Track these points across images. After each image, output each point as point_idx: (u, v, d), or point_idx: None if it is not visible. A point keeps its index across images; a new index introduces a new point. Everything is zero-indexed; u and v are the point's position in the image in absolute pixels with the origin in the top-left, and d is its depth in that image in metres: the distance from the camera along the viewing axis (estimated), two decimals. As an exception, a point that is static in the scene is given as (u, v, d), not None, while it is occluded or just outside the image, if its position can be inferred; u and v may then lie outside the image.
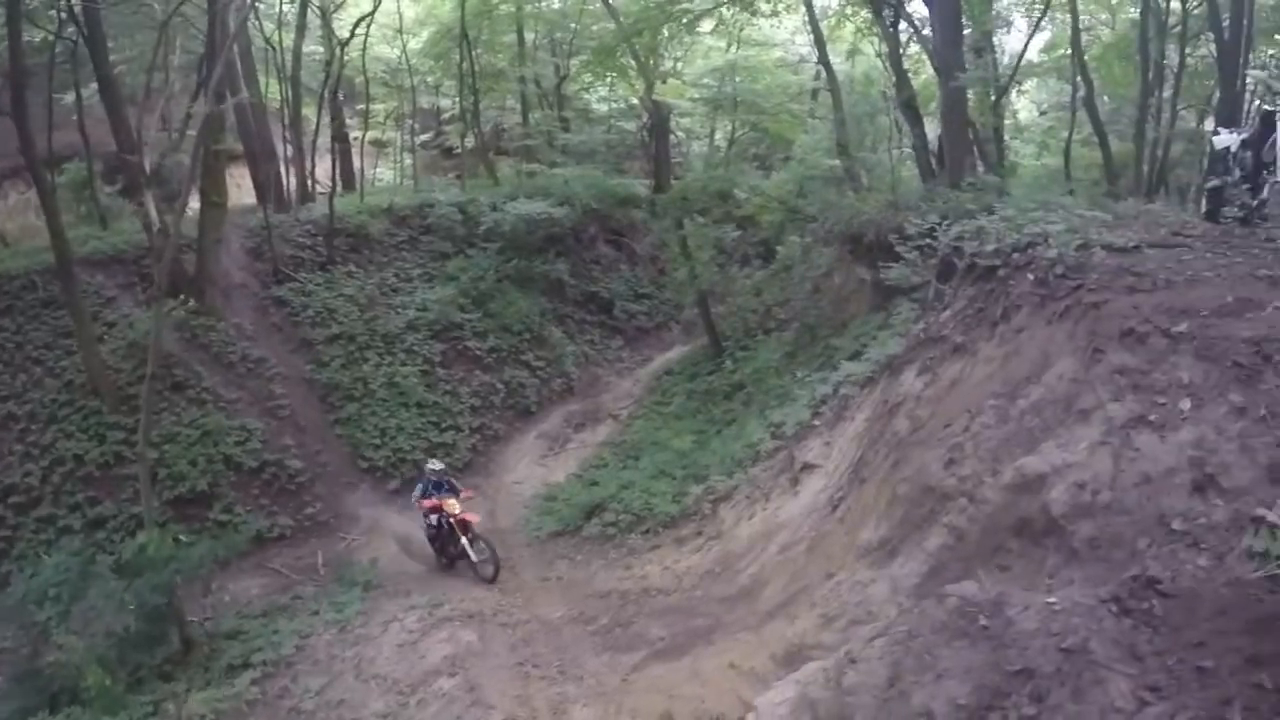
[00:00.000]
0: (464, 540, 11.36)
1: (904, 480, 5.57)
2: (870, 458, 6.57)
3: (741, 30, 21.31)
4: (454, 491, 11.84)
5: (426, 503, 11.75)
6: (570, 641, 8.22)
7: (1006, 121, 20.29)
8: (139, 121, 13.38)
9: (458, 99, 24.29)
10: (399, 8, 23.01)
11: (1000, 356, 5.48)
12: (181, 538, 10.34)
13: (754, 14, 19.31)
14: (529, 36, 25.21)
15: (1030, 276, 5.52)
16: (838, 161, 16.96)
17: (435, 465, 12.23)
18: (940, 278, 6.98)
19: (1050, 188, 14.27)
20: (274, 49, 20.78)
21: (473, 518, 11.80)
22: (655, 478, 13.05)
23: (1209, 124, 16.11)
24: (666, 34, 19.59)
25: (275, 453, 13.80)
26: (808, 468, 8.52)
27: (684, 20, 18.73)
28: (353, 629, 9.41)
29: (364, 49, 21.34)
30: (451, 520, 11.50)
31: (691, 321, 18.89)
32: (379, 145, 26.63)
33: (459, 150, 25.45)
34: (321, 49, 22.58)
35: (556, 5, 24.46)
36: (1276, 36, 20.08)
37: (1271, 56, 20.51)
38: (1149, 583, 3.19)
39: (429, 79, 26.03)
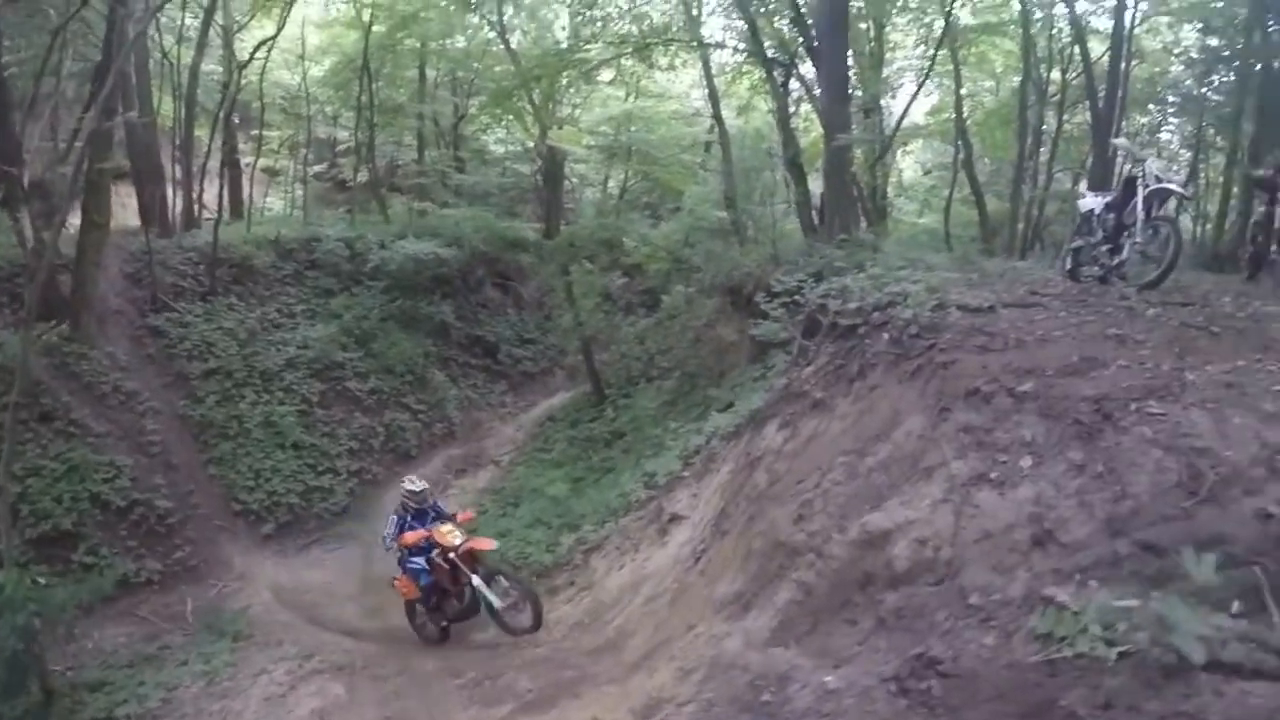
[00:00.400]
0: (475, 582, 8.80)
1: (758, 535, 5.56)
2: (731, 510, 6.58)
3: (639, 81, 21.68)
4: (444, 517, 9.65)
5: (410, 537, 9.24)
6: (439, 695, 7.90)
7: (891, 180, 21.19)
8: (23, 130, 12.54)
9: (355, 131, 23.81)
10: (303, 34, 22.60)
11: (855, 413, 5.56)
12: (43, 579, 9.65)
13: (651, 66, 19.63)
14: (430, 73, 25.12)
15: (886, 336, 5.65)
16: (725, 214, 17.27)
17: (415, 485, 9.79)
18: (805, 334, 7.08)
19: (927, 245, 14.83)
20: (171, 64, 20.07)
21: (484, 544, 9.34)
22: (532, 526, 12.89)
23: (1083, 185, 17.21)
24: (565, 81, 19.76)
25: (145, 492, 12.80)
26: (675, 519, 8.53)
27: (583, 69, 18.89)
28: (220, 681, 8.88)
29: (263, 73, 20.80)
30: (452, 557, 8.97)
31: (576, 367, 18.87)
32: (271, 173, 25.83)
33: (352, 184, 24.94)
34: (221, 69, 21.90)
35: (460, 44, 24.30)
36: (1150, 106, 21.71)
37: (1143, 125, 22.22)
38: (930, 662, 3.12)
39: (327, 109, 25.59)
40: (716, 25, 21.04)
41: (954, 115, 18.54)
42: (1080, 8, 18.54)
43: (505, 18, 21.26)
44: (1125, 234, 7.99)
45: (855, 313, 6.27)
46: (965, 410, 4.48)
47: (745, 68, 19.70)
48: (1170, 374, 4.26)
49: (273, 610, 11.68)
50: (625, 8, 19.60)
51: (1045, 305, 5.82)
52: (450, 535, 9.13)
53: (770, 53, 16.56)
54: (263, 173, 24.41)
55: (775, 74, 16.64)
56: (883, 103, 19.89)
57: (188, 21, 20.89)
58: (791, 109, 17.96)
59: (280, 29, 20.70)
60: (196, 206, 19.62)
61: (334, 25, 24.30)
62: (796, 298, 7.78)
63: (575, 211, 26.01)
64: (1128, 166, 8.69)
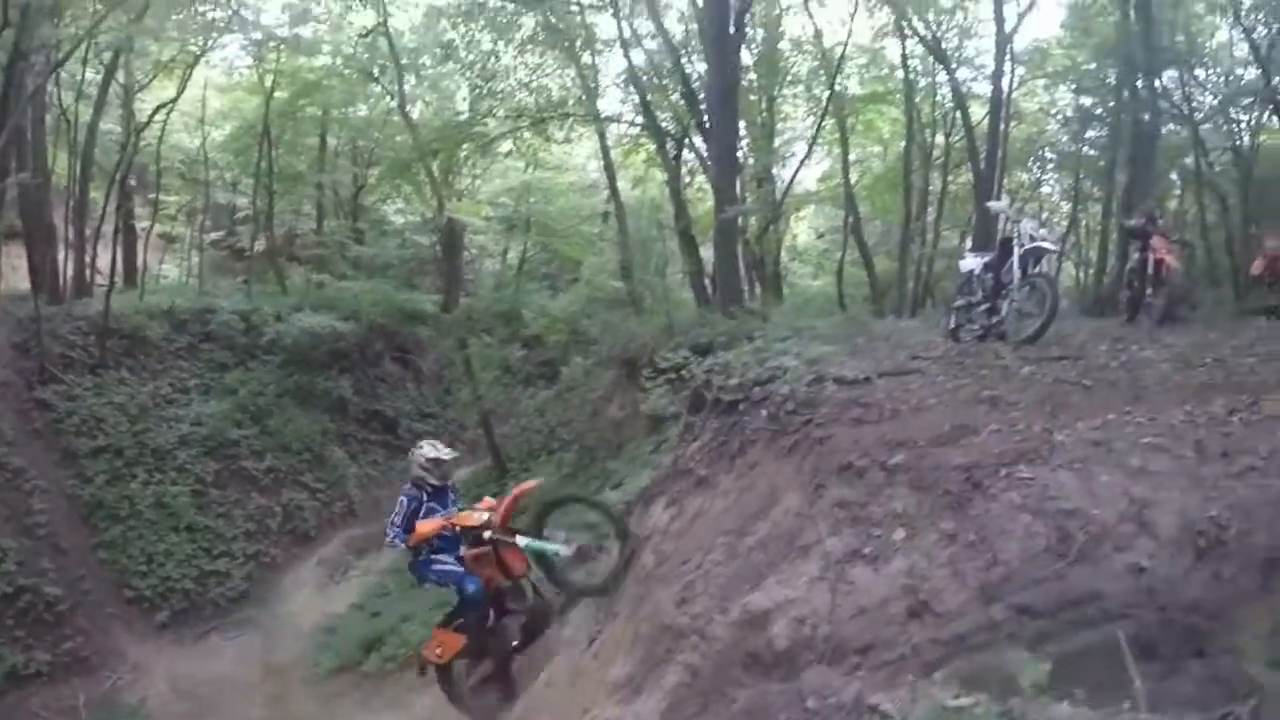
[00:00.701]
0: (521, 542, 6.79)
1: (645, 618, 5.48)
2: (621, 592, 6.46)
3: (537, 154, 21.87)
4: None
5: (426, 527, 6.86)
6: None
7: (786, 245, 21.76)
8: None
9: (254, 199, 23.42)
10: (204, 97, 22.31)
11: (736, 491, 5.56)
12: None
13: (548, 140, 19.86)
14: (331, 141, 24.95)
15: (764, 412, 5.71)
16: (623, 284, 17.44)
17: (439, 450, 7.41)
18: (691, 409, 7.09)
19: (820, 308, 15.14)
20: (69, 122, 19.42)
21: (525, 487, 7.88)
22: (435, 608, 12.10)
23: (969, 242, 17.96)
24: (464, 153, 19.83)
25: (32, 577, 12.15)
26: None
27: (481, 142, 19.00)
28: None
29: (162, 135, 20.41)
30: (490, 536, 6.79)
31: (477, 441, 18.55)
32: (167, 239, 25.22)
33: (250, 253, 24.39)
34: (120, 128, 21.37)
35: (362, 112, 24.17)
36: (1031, 163, 22.90)
37: (1024, 181, 23.49)
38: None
39: (227, 175, 25.12)
40: (615, 97, 21.47)
41: (843, 181, 19.24)
42: (961, 75, 19.69)
43: (407, 88, 21.30)
44: (1003, 293, 8.30)
45: (737, 388, 6.29)
46: (840, 485, 4.47)
47: (640, 140, 20.07)
48: (1040, 435, 4.32)
49: (169, 703, 11.35)
50: (524, 80, 19.93)
51: (923, 371, 5.93)
52: (474, 515, 7.01)
53: (664, 126, 16.97)
54: (159, 238, 23.81)
55: (668, 147, 17.04)
56: (775, 171, 20.50)
57: (89, 76, 20.37)
58: (686, 180, 18.37)
59: (181, 92, 20.63)
60: (89, 271, 19.02)
61: (236, 90, 24.11)
62: (682, 373, 7.81)
63: (475, 282, 26.03)
64: (1006, 227, 9.04)
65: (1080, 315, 15.65)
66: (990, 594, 3.58)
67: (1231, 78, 22.43)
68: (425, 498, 7.19)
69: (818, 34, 20.40)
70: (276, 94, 21.55)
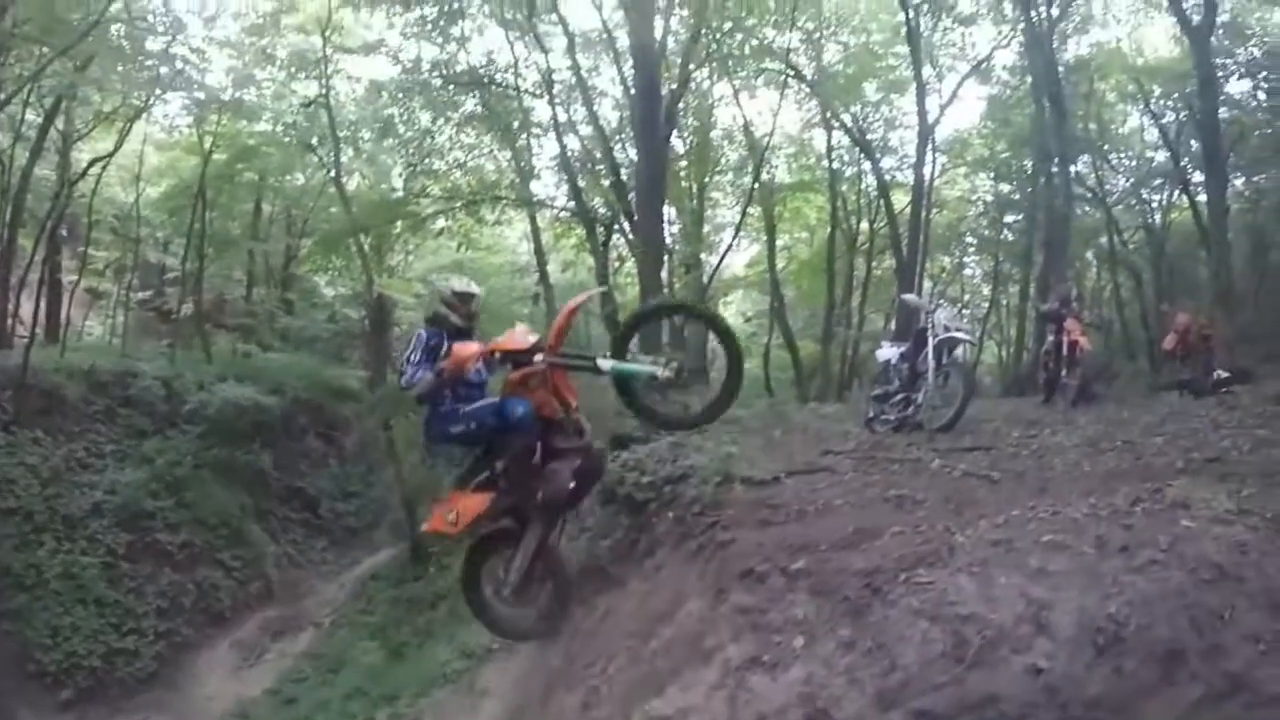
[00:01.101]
0: (605, 365, 5.63)
1: None
2: (531, 690, 6.32)
3: (469, 234, 21.96)
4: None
5: (465, 350, 5.45)
6: None
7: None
8: None
9: (184, 260, 22.88)
10: (142, 152, 21.97)
11: (643, 593, 5.50)
12: None
13: (480, 221, 19.99)
14: (266, 209, 24.66)
15: (671, 515, 5.66)
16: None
17: (460, 283, 6.19)
18: (604, 504, 6.97)
19: (748, 392, 15.19)
20: (3, 165, 18.99)
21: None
22: (351, 697, 12.04)
23: (893, 324, 18.47)
24: (397, 229, 19.85)
25: None
26: (485, 694, 8.11)
27: (414, 220, 19.05)
28: None
29: (96, 188, 20.00)
30: (543, 359, 5.61)
31: (400, 523, 18.05)
32: (94, 294, 24.40)
33: (176, 316, 23.83)
34: (55, 176, 20.86)
35: (299, 181, 24.07)
36: (952, 247, 23.74)
37: (944, 268, 24.35)
38: None
39: (159, 234, 24.65)
40: (549, 180, 21.84)
41: (769, 267, 19.79)
42: (885, 164, 20.57)
43: (344, 159, 21.35)
44: (919, 382, 8.50)
45: (648, 487, 6.22)
46: (742, 591, 4.43)
47: (571, 225, 20.32)
48: (942, 536, 4.35)
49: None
50: (459, 160, 20.17)
51: (832, 469, 5.99)
52: (517, 337, 5.83)
53: (593, 212, 17.25)
54: (85, 293, 23.08)
55: (597, 232, 17.28)
56: (704, 256, 20.92)
57: (29, 117, 19.76)
58: (615, 265, 18.64)
59: (119, 146, 20.30)
60: (11, 322, 18.39)
61: (174, 148, 23.79)
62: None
63: None
64: (922, 318, 9.29)
65: (1001, 395, 16.08)
66: (888, 700, 3.58)
67: (1142, 161, 23.70)
68: (447, 341, 5.74)
69: (747, 126, 21.23)
70: (215, 156, 21.26)
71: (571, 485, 5.63)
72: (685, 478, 5.87)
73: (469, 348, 5.53)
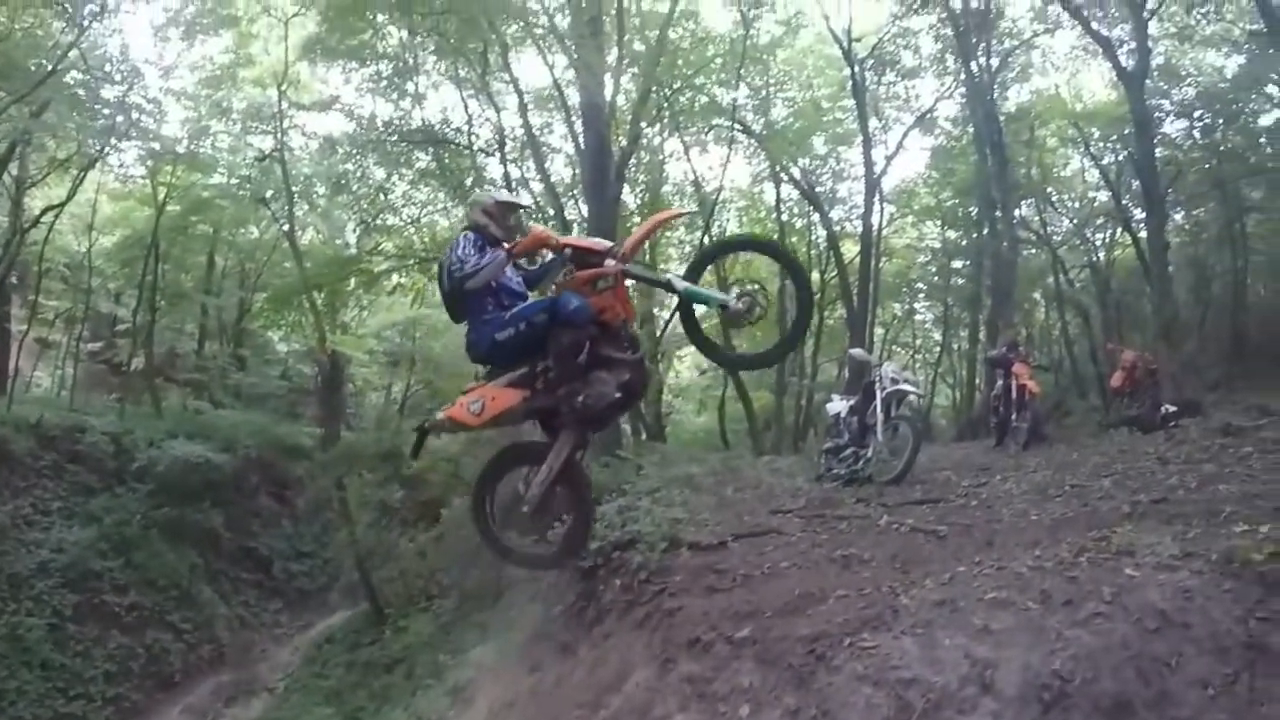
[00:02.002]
0: (679, 284, 5.26)
1: None
2: None
3: (422, 290, 21.96)
4: None
5: (542, 230, 5.36)
6: None
7: (669, 383, 22.25)
8: None
9: (136, 312, 22.44)
10: (95, 201, 21.77)
11: (593, 660, 5.42)
12: None
13: (431, 278, 19.97)
14: (219, 262, 24.41)
15: (618, 582, 5.62)
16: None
17: (506, 194, 6.19)
18: (555, 572, 6.89)
19: (704, 447, 15.26)
20: None
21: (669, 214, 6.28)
22: None
23: (846, 372, 18.70)
24: (350, 286, 19.75)
25: None
26: None
27: (366, 277, 19.00)
28: None
29: (48, 236, 19.74)
30: (616, 265, 5.13)
31: (354, 585, 17.71)
32: (43, 344, 23.88)
33: (127, 369, 23.42)
34: (7, 222, 20.55)
35: (253, 234, 23.90)
36: (902, 294, 24.12)
37: (895, 315, 24.76)
38: None
39: (111, 285, 24.22)
40: None
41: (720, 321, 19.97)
42: (834, 215, 21.02)
43: (299, 214, 21.26)
44: (869, 435, 8.60)
45: (596, 553, 6.16)
46: (688, 660, 4.40)
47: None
48: (886, 598, 4.36)
49: None
50: (413, 216, 20.22)
51: (780, 530, 5.98)
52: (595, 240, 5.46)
53: None
54: (34, 343, 22.62)
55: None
56: (656, 311, 21.01)
57: None
58: None
59: (72, 195, 20.08)
60: None
61: (128, 198, 23.43)
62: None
63: (357, 416, 25.53)
64: (870, 371, 9.41)
65: (955, 438, 16.27)
66: (834, 767, 3.50)
67: (1084, 201, 24.41)
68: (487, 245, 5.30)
69: (697, 181, 21.67)
70: (169, 207, 21.12)
71: (615, 398, 5.16)
72: (632, 543, 5.84)
73: (546, 230, 5.36)
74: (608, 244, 5.31)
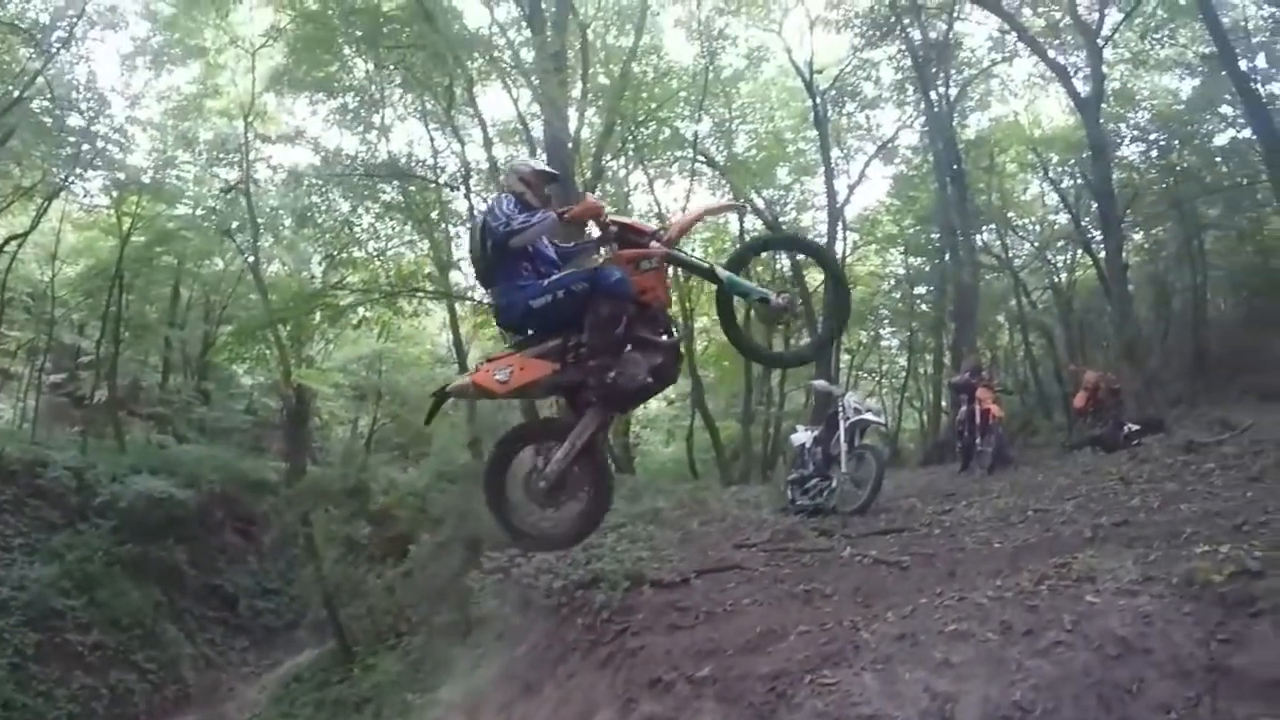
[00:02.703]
0: (722, 273, 5.10)
1: None
2: None
3: (388, 325, 21.90)
4: None
5: (594, 200, 5.21)
6: None
7: (637, 414, 22.29)
8: None
9: (99, 344, 22.15)
10: (59, 231, 21.53)
11: (557, 700, 5.37)
12: None
13: (397, 313, 19.96)
14: (184, 294, 24.13)
15: (581, 621, 5.58)
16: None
17: (541, 164, 5.87)
18: (520, 610, 6.83)
19: (672, 478, 15.24)
20: None
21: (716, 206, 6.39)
22: None
23: (813, 399, 18.80)
24: (317, 318, 19.64)
25: None
26: None
27: (331, 311, 18.91)
28: None
29: (10, 265, 19.39)
30: (660, 247, 5.03)
31: (322, 622, 17.41)
32: (4, 375, 23.50)
33: (90, 402, 23.06)
34: None
35: (218, 266, 23.70)
36: (868, 321, 24.35)
37: (860, 342, 24.99)
38: None
39: (74, 316, 23.83)
40: (471, 269, 21.80)
41: (685, 351, 20.21)
42: None
43: (265, 245, 21.15)
44: (833, 466, 8.65)
45: (560, 591, 6.13)
46: (650, 700, 4.36)
47: (488, 316, 20.36)
48: (847, 633, 4.37)
49: None
50: (379, 249, 20.20)
51: (743, 565, 5.99)
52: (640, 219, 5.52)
53: None
54: (-4, 373, 22.17)
55: None
56: None
57: None
58: None
59: (35, 225, 19.93)
60: None
61: (93, 228, 23.19)
62: (511, 572, 7.48)
63: (323, 450, 25.24)
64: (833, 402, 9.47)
65: (922, 462, 16.38)
66: (794, 806, 3.47)
67: (1045, 225, 24.87)
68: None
69: (661, 213, 21.60)
70: (133, 238, 20.86)
71: (642, 384, 5.01)
72: (596, 582, 5.80)
73: (600, 201, 5.17)
74: (654, 226, 5.21)
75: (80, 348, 24.69)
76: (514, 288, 4.98)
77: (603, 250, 5.10)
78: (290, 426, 21.28)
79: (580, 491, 5.20)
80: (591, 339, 4.86)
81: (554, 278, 4.95)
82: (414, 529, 17.32)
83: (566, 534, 5.29)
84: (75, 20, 18.75)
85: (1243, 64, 17.50)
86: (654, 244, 5.03)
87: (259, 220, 20.19)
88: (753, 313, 5.56)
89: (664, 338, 5.10)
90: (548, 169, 5.47)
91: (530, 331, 5.02)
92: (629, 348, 4.94)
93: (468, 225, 19.09)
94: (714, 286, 4.98)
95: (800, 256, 7.07)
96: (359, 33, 16.28)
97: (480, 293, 20.04)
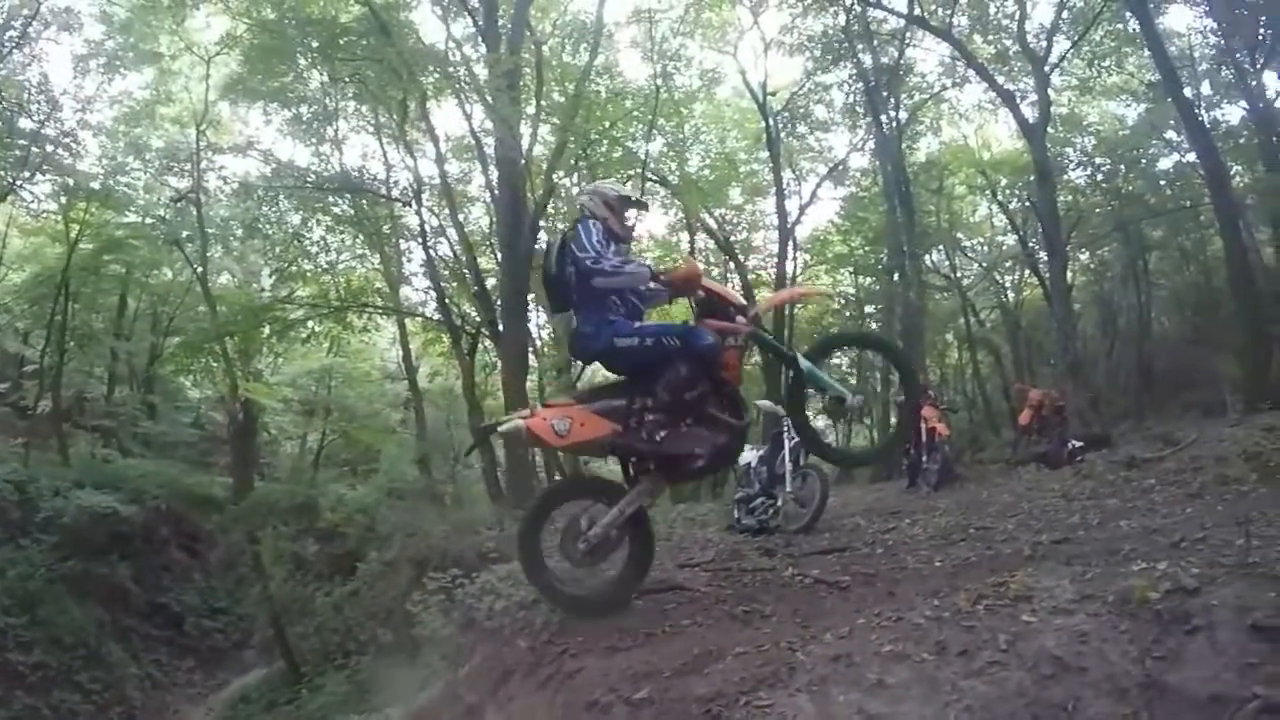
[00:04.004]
0: (803, 362, 5.16)
1: None
2: None
3: (337, 340, 21.72)
4: None
5: (685, 264, 5.27)
6: None
7: None
8: None
9: (43, 353, 21.75)
10: (4, 236, 21.39)
11: None
12: None
13: (346, 328, 19.83)
14: (131, 304, 23.74)
15: (522, 643, 5.56)
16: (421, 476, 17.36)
17: (623, 189, 5.59)
18: (463, 630, 6.81)
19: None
20: None
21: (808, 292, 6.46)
22: None
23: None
24: (265, 332, 19.44)
25: None
26: None
27: (280, 325, 18.74)
28: None
29: None
30: (753, 317, 5.18)
31: (270, 641, 17.32)
32: (-54, 384, 22.88)
33: (33, 413, 22.51)
34: None
35: (166, 276, 23.32)
36: (815, 338, 24.68)
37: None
38: None
39: (18, 323, 23.33)
40: (420, 285, 21.86)
41: None
42: (750, 263, 21.63)
43: (214, 258, 20.88)
44: (778, 484, 8.74)
45: (502, 612, 6.11)
46: (586, 724, 4.40)
47: (440, 332, 20.31)
48: (784, 655, 4.40)
49: None
50: (330, 263, 20.05)
51: (685, 585, 6.00)
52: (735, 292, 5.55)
53: (459, 323, 17.35)
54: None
55: (462, 342, 17.34)
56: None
57: None
58: (484, 374, 18.75)
59: None
60: None
61: (40, 234, 22.76)
62: (453, 593, 7.43)
63: (271, 466, 24.99)
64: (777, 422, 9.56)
65: (871, 479, 16.58)
66: (727, 830, 3.44)
67: (993, 246, 25.43)
68: (612, 241, 5.07)
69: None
70: (81, 245, 20.47)
71: (704, 461, 4.96)
72: (537, 602, 5.79)
73: (699, 267, 5.20)
74: (744, 301, 5.23)
75: (24, 357, 24.14)
76: (603, 321, 4.92)
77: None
78: (237, 441, 20.96)
79: (618, 555, 5.21)
80: (662, 396, 4.81)
81: (647, 324, 4.94)
82: (362, 546, 17.16)
83: (599, 601, 5.30)
84: (29, 20, 18.49)
85: (1187, 91, 18.12)
86: (740, 319, 5.07)
87: (209, 231, 19.98)
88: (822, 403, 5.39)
89: (734, 418, 5.05)
90: (633, 195, 5.38)
91: (609, 368, 5.04)
92: (699, 422, 4.90)
93: (479, 239, 18.94)
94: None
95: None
96: (315, 43, 16.22)
97: (428, 307, 20.08)
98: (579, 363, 4.70)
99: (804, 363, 5.14)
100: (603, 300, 4.92)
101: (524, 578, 5.39)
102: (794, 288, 6.06)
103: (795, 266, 22.98)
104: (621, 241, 5.15)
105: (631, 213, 5.32)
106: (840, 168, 23.57)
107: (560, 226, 20.69)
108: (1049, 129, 19.37)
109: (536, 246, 15.87)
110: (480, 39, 16.65)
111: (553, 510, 5.30)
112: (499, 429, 5.13)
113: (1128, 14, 17.70)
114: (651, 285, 5.01)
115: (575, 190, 21.13)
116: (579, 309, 5.03)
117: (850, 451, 5.39)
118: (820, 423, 5.56)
